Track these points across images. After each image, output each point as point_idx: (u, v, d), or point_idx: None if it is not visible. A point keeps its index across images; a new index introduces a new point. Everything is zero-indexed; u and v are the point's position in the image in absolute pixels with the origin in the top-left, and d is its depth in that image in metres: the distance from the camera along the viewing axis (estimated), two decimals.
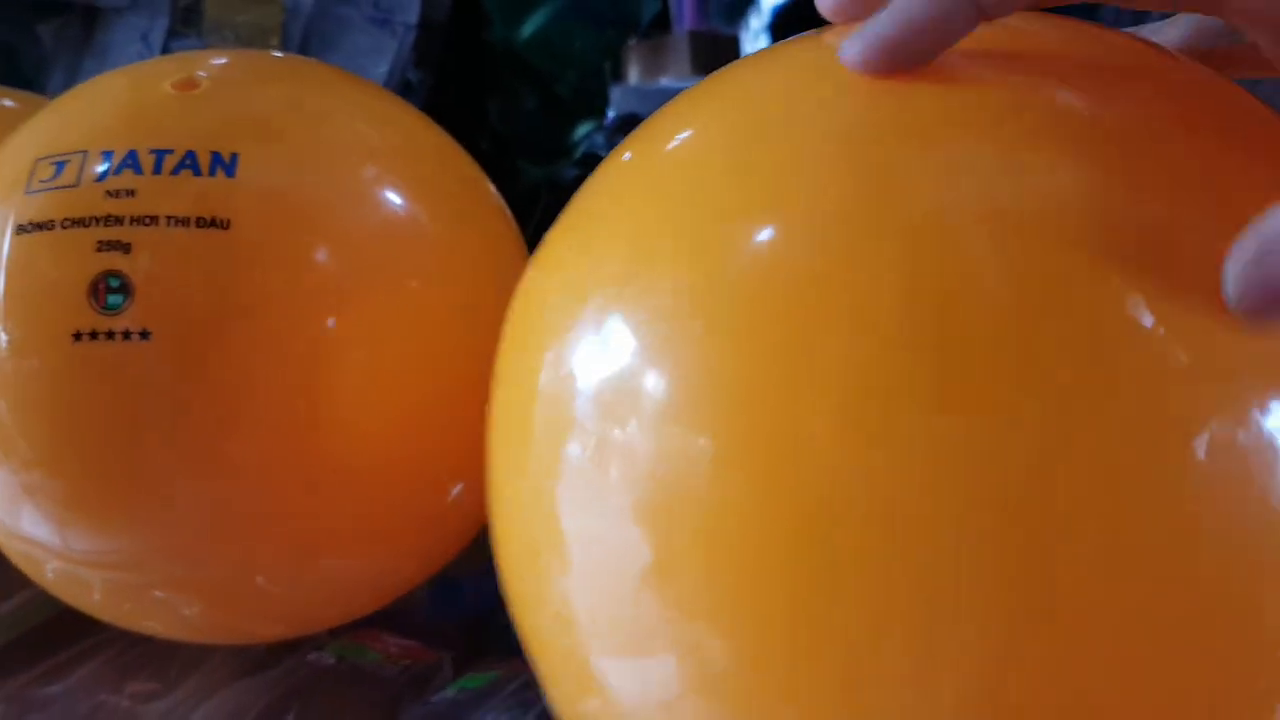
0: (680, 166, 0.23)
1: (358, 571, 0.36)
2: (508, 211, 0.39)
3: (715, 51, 1.50)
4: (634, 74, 1.47)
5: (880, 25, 0.21)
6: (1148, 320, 0.18)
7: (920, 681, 0.18)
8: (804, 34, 0.25)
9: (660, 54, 1.52)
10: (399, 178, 0.35)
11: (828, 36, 0.24)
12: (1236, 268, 0.18)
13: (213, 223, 0.31)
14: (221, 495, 0.32)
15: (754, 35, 1.60)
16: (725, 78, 0.25)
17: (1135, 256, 0.19)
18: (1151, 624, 0.18)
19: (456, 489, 0.35)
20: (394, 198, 0.35)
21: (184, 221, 0.31)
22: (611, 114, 1.33)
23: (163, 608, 0.35)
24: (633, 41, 1.43)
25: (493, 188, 0.39)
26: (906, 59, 0.21)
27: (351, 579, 0.36)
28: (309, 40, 0.72)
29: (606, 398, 0.21)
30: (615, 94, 1.33)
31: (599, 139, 1.29)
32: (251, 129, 0.33)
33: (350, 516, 0.33)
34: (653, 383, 0.20)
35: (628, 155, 0.25)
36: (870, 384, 0.18)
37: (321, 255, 0.32)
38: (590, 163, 1.14)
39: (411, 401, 0.33)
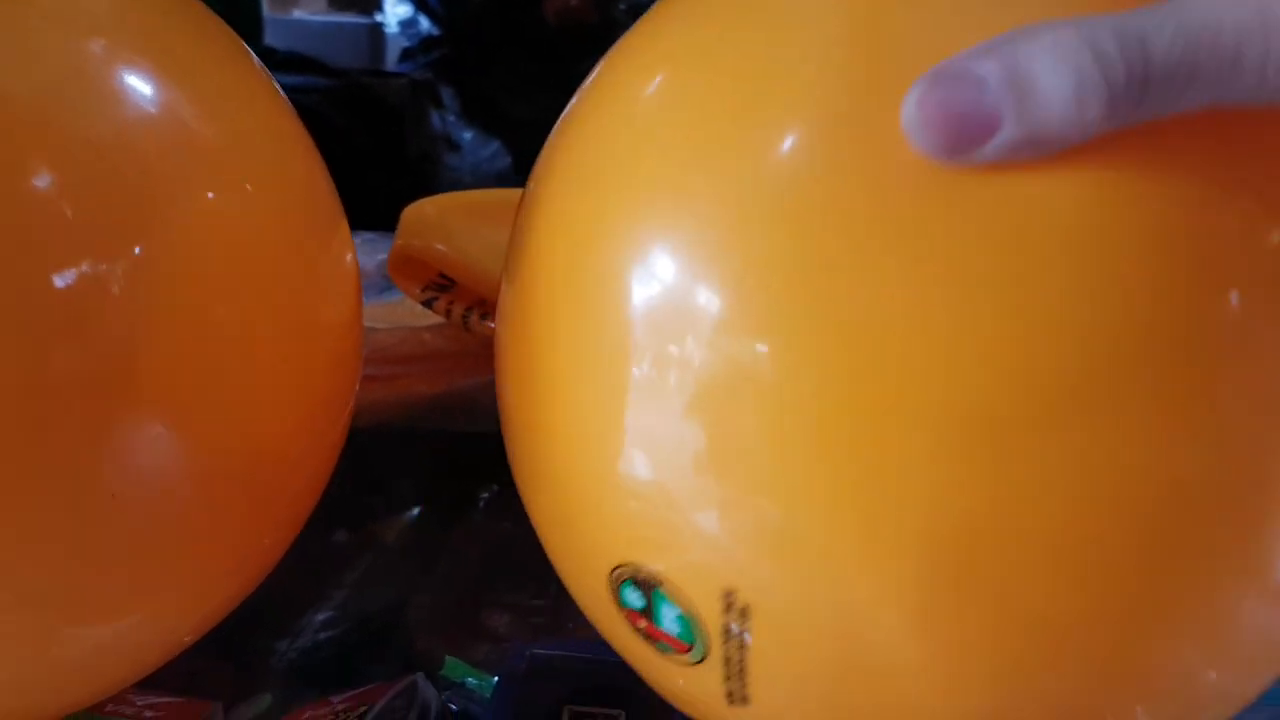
0: (701, 70, 0.23)
1: (118, 641, 0.25)
2: (290, 106, 0.29)
3: None
4: (265, 2, 1.33)
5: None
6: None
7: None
8: None
9: None
10: (147, 60, 0.24)
11: None
12: (909, 105, 0.19)
13: None
14: None
15: None
16: None
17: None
18: None
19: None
20: (145, 88, 0.24)
21: None
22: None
23: None
24: None
25: (266, 71, 0.29)
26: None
27: (105, 653, 0.25)
28: None
29: (663, 316, 0.21)
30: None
31: None
32: None
33: (109, 562, 0.22)
34: (705, 296, 0.21)
35: (627, 65, 0.25)
36: (937, 266, 0.19)
37: (44, 179, 0.21)
38: None
39: (199, 379, 0.23)
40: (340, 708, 0.29)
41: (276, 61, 1.12)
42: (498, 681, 0.30)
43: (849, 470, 0.20)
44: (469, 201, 0.38)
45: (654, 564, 0.23)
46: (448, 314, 0.37)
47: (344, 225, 0.29)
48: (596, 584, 0.24)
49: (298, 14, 1.38)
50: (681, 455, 0.21)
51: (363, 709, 0.29)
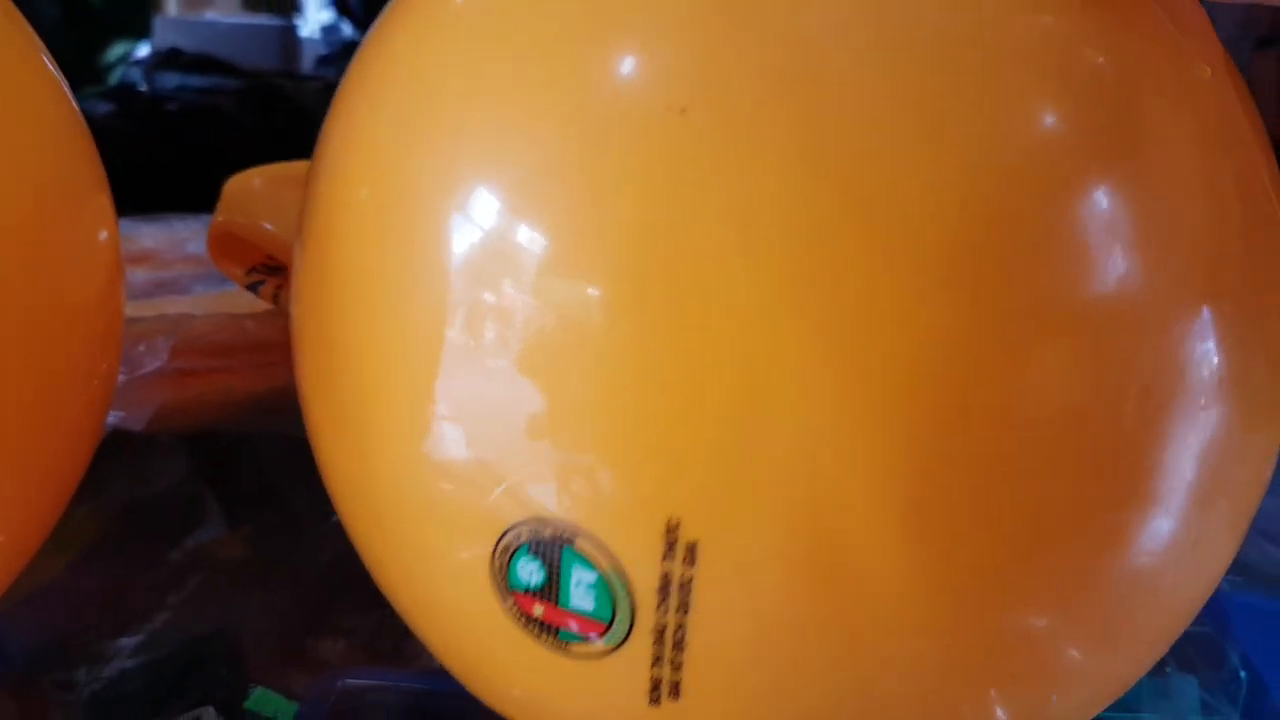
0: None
1: None
2: (65, 89, 0.25)
3: None
4: (174, 4, 1.28)
5: None
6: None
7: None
8: None
9: None
10: None
11: None
12: None
13: None
14: None
15: None
16: None
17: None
18: None
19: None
20: None
21: None
22: (147, 48, 1.16)
23: None
24: None
25: (45, 53, 0.25)
26: None
27: None
28: None
29: (483, 265, 0.19)
30: (156, 24, 1.17)
31: (135, 73, 1.12)
32: None
33: None
34: (527, 240, 0.18)
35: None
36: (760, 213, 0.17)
37: None
38: (126, 96, 0.96)
39: None
40: None
41: (184, 63, 1.08)
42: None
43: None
44: (306, 174, 0.34)
45: (566, 512, 0.18)
46: (275, 300, 0.33)
47: (103, 201, 0.25)
48: (468, 573, 0.20)
49: (209, 15, 1.34)
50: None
51: None
